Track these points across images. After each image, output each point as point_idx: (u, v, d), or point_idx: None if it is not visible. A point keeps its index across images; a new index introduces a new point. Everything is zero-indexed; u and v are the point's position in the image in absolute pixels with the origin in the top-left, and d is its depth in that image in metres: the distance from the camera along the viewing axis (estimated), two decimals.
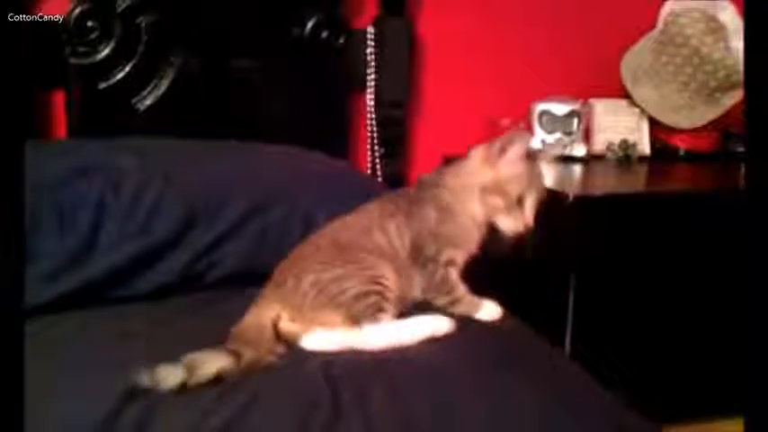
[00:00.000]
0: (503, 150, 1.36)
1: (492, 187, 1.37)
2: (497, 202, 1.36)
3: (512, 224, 1.37)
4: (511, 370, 1.18)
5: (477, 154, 1.42)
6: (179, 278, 1.48)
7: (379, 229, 1.39)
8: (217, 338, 1.21)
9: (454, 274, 1.40)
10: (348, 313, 1.25)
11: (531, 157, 1.39)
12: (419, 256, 1.38)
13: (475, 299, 1.40)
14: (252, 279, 1.40)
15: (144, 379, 1.03)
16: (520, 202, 1.36)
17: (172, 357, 1.14)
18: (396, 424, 1.01)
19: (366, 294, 1.26)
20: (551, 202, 1.82)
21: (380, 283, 1.28)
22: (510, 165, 1.36)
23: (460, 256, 1.41)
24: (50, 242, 1.39)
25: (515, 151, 1.35)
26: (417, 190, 1.48)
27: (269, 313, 1.26)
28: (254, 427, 0.98)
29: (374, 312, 1.25)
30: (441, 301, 1.38)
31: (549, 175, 1.45)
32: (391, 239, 1.38)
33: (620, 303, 1.85)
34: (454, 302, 1.38)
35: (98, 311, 1.37)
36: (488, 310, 1.40)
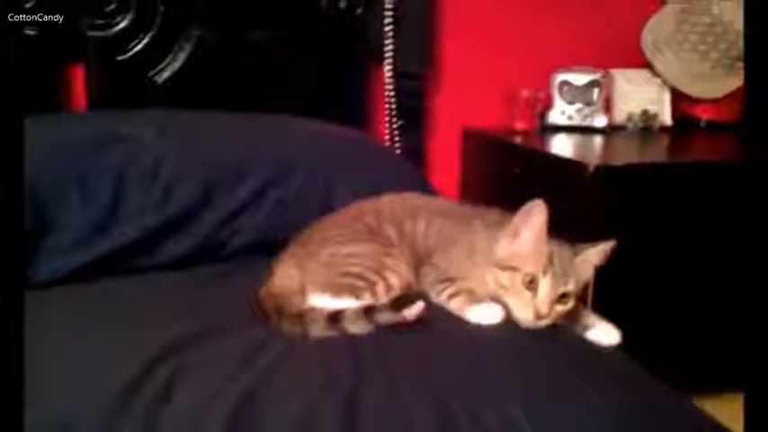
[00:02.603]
0: (519, 223, 1.19)
1: (503, 263, 1.19)
2: (504, 279, 1.18)
3: (521, 310, 1.17)
4: (538, 337, 1.17)
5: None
6: (200, 248, 1.48)
7: (424, 217, 1.35)
8: (243, 304, 1.23)
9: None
10: (333, 281, 1.23)
11: (571, 250, 1.20)
12: (424, 256, 1.31)
13: (476, 294, 1.24)
14: (272, 249, 1.39)
15: None
16: (531, 282, 1.16)
17: (199, 322, 1.17)
18: (419, 387, 1.00)
19: (358, 276, 1.23)
20: (571, 173, 1.84)
21: (381, 275, 1.24)
22: (527, 238, 1.18)
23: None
24: (73, 212, 1.40)
25: (533, 222, 1.17)
26: (474, 212, 1.37)
27: (293, 274, 1.27)
28: (278, 390, 0.98)
29: (351, 293, 1.22)
30: (442, 295, 1.26)
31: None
32: (425, 233, 1.34)
33: (642, 274, 1.84)
34: (455, 294, 1.25)
35: (123, 280, 1.38)
36: (482, 312, 1.21)
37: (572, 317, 1.24)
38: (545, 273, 1.16)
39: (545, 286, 1.16)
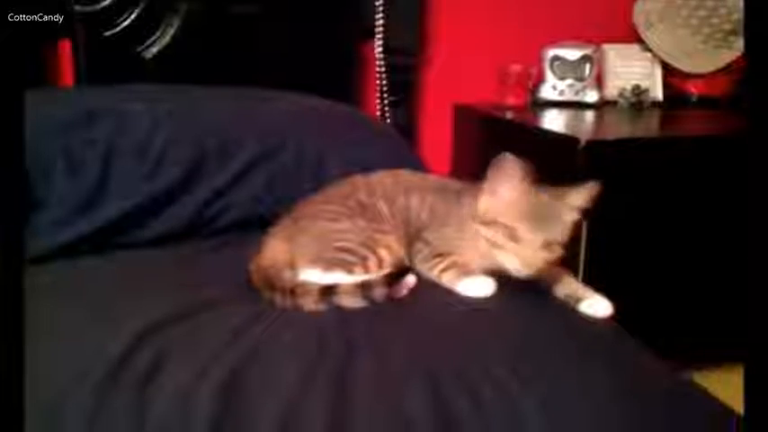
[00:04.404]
0: (493, 178, 1.20)
1: (487, 218, 1.21)
2: (488, 234, 1.20)
3: (508, 261, 1.19)
4: (531, 310, 1.18)
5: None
6: (191, 222, 1.47)
7: (416, 194, 1.35)
8: (233, 279, 1.23)
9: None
10: (324, 255, 1.23)
11: (550, 195, 1.19)
12: (417, 232, 1.31)
13: (468, 267, 1.25)
14: (262, 224, 1.38)
15: None
16: (515, 235, 1.17)
17: (189, 297, 1.16)
18: (411, 361, 0.99)
19: (349, 251, 1.23)
20: (563, 148, 1.84)
21: (373, 250, 1.24)
22: (503, 193, 1.20)
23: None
24: (61, 186, 1.39)
25: (505, 178, 1.18)
26: (464, 187, 1.36)
27: (284, 248, 1.26)
28: (269, 364, 0.98)
29: (343, 267, 1.22)
30: (434, 270, 1.27)
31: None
32: (418, 210, 1.34)
33: (633, 247, 1.85)
34: (447, 268, 1.26)
35: (113, 255, 1.37)
36: (473, 285, 1.23)
37: (559, 276, 1.27)
38: (526, 222, 1.17)
39: (527, 235, 1.17)
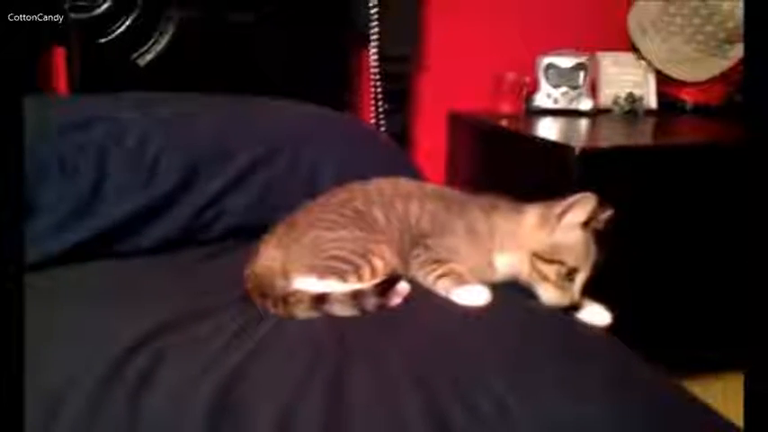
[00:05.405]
0: (563, 214, 1.22)
1: (547, 256, 1.23)
2: (549, 272, 1.22)
3: (557, 298, 1.22)
4: (526, 319, 1.18)
5: (533, 215, 1.27)
6: (185, 229, 1.47)
7: (416, 200, 1.34)
8: (229, 286, 1.23)
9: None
10: (319, 264, 1.22)
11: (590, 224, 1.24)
12: (414, 239, 1.30)
13: (464, 276, 1.24)
14: (259, 231, 1.38)
15: None
16: (571, 274, 1.22)
17: (184, 304, 1.16)
18: (406, 367, 0.99)
19: (343, 260, 1.22)
20: (557, 156, 1.84)
21: (367, 259, 1.23)
22: (567, 231, 1.22)
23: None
24: (54, 193, 1.38)
25: (577, 215, 1.21)
26: (466, 198, 1.38)
27: (278, 256, 1.26)
28: (264, 370, 0.98)
29: (337, 275, 1.21)
30: (430, 276, 1.25)
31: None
32: (418, 217, 1.33)
33: (628, 256, 1.85)
34: (443, 275, 1.24)
35: (108, 263, 1.37)
36: (468, 293, 1.20)
37: None
38: (584, 263, 1.21)
39: (582, 277, 1.22)
